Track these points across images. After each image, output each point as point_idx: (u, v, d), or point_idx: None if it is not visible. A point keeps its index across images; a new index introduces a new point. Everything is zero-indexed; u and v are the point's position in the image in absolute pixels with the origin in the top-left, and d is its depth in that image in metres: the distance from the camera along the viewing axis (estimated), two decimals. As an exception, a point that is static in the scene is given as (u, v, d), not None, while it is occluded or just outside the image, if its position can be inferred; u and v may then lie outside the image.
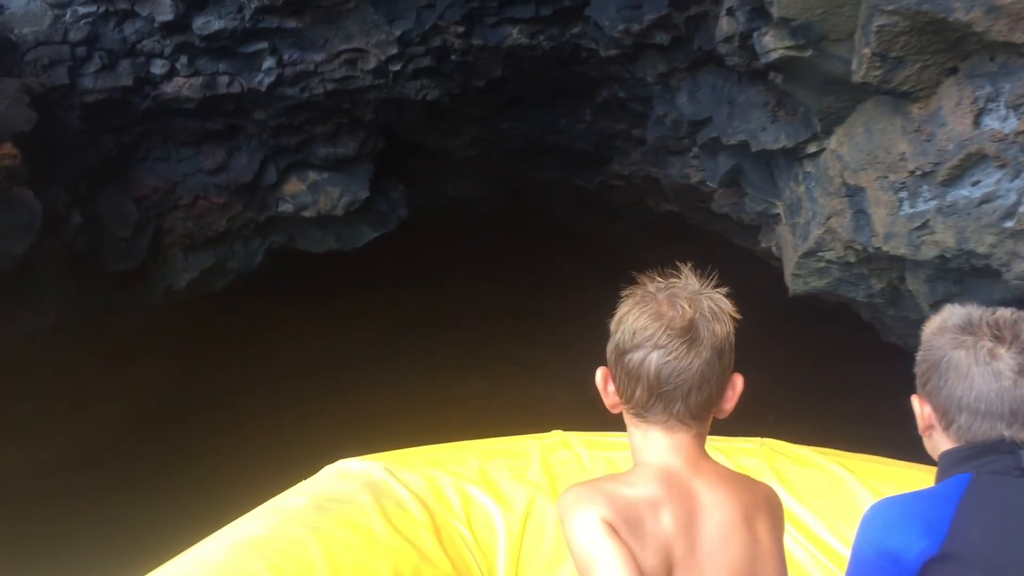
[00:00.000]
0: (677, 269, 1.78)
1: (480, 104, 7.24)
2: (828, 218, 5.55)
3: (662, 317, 1.63)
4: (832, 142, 5.23)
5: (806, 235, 5.85)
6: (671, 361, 1.61)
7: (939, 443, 1.82)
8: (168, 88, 6.27)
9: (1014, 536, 1.62)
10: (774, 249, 6.76)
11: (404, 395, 9.87)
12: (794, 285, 6.17)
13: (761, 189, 6.38)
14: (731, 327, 1.67)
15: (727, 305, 1.68)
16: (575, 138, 7.77)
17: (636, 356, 1.64)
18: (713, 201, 7.18)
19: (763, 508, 1.72)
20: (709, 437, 1.75)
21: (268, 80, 6.32)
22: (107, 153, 6.43)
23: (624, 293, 1.71)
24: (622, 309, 1.69)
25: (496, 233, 11.89)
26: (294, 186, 7.27)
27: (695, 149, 6.74)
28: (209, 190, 7.02)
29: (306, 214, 7.35)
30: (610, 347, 1.70)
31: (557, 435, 2.98)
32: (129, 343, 7.87)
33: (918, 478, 2.25)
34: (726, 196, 6.94)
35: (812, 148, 5.51)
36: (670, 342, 1.61)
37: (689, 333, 1.61)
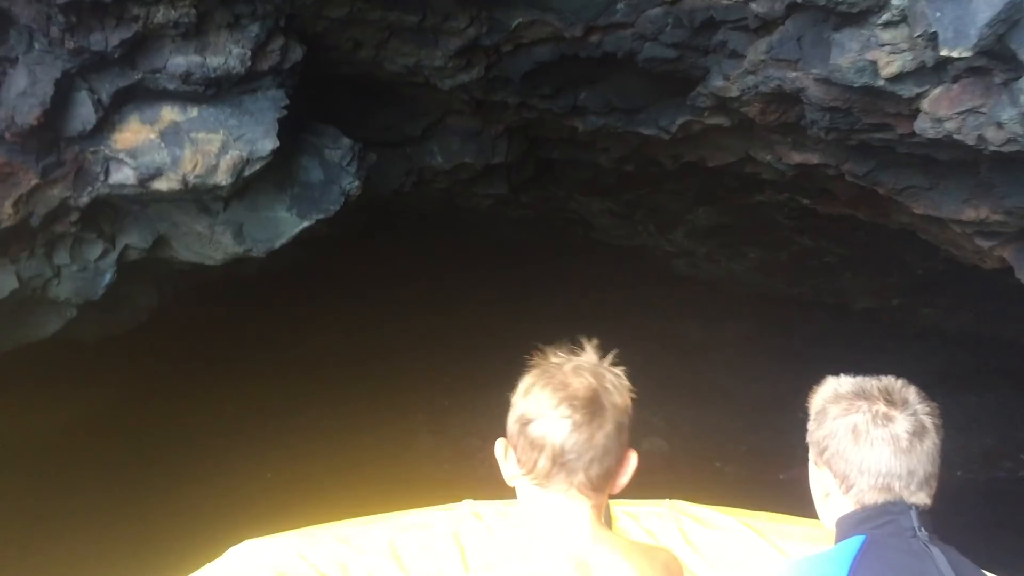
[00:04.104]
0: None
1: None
2: None
3: (567, 388, 1.62)
4: None
5: None
6: (574, 432, 1.60)
7: (837, 508, 1.83)
8: None
9: None
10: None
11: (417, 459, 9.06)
12: None
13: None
14: (629, 403, 1.67)
15: (626, 381, 1.68)
16: (642, 36, 4.41)
17: (540, 426, 1.62)
18: (914, 119, 3.79)
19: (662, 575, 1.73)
20: (619, 500, 1.88)
21: None
22: None
23: (529, 364, 1.69)
24: (527, 380, 1.67)
25: (506, 241, 10.10)
26: (135, 132, 3.93)
27: (897, 2, 3.36)
28: (-36, 144, 3.69)
29: (159, 186, 4.00)
30: (512, 417, 1.67)
31: (468, 504, 2.86)
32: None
33: (824, 536, 1.99)
34: (957, 97, 3.55)
35: None
36: (574, 413, 1.60)
37: (593, 404, 1.61)
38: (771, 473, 10.27)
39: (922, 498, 1.77)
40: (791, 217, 8.02)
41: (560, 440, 1.59)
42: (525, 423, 1.63)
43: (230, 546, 2.69)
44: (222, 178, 4.01)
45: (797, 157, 5.05)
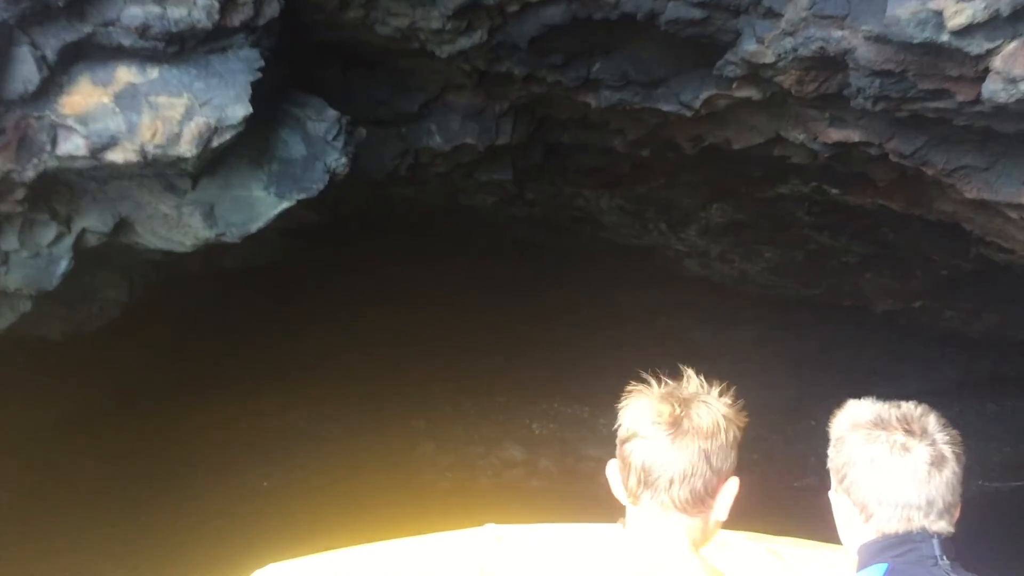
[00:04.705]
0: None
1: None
2: None
3: (652, 411, 1.73)
4: None
5: None
6: (654, 452, 1.70)
7: (858, 535, 1.84)
8: None
9: None
10: None
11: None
12: None
13: None
14: (724, 431, 1.73)
15: (724, 411, 1.75)
16: (665, -6, 3.91)
17: (629, 446, 1.74)
18: (980, 82, 3.30)
19: None
20: None
21: None
22: None
23: (628, 390, 1.80)
24: (624, 403, 1.78)
25: (510, 241, 9.64)
26: (86, 95, 3.45)
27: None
28: None
29: (114, 157, 3.51)
30: (617, 438, 1.79)
31: (490, 529, 2.80)
32: None
33: (847, 561, 1.98)
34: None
35: None
36: (656, 435, 1.70)
37: (674, 428, 1.70)
38: (785, 482, 9.86)
39: (943, 526, 1.77)
40: (812, 212, 7.54)
41: (642, 459, 1.71)
42: (621, 443, 1.76)
43: (224, 559, 2.66)
44: (186, 149, 3.51)
45: (835, 135, 4.54)
